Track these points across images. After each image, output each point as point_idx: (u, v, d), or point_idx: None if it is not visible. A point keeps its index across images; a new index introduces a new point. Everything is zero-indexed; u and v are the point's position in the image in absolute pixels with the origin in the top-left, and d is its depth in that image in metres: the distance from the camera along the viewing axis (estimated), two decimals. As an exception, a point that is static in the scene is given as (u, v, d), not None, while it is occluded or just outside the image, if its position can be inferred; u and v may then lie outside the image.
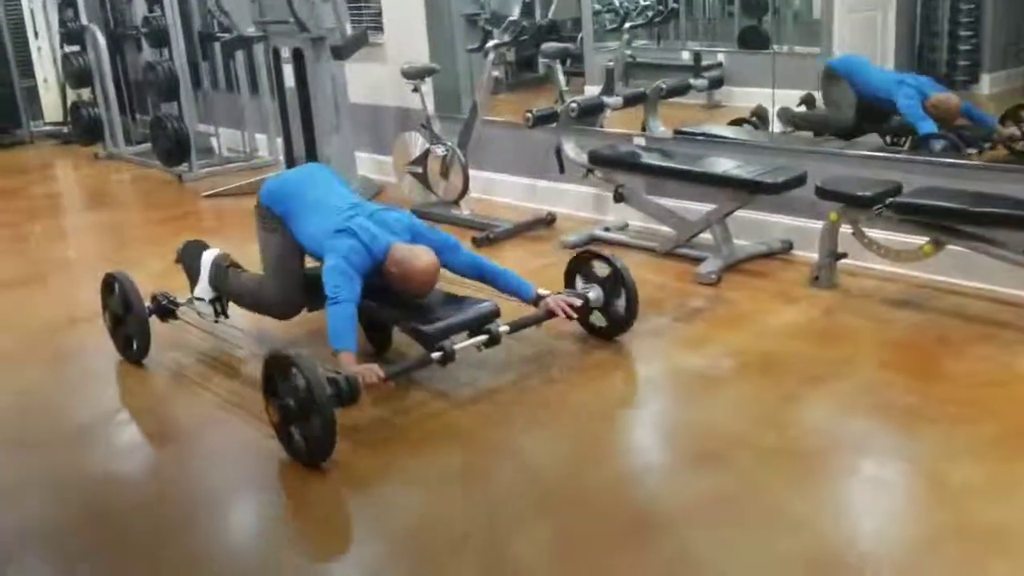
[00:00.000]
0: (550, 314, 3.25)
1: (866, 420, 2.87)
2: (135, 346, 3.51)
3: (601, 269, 3.45)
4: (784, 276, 4.04)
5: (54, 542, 2.53)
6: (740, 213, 4.21)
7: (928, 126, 4.37)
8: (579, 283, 3.53)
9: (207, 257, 3.62)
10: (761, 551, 2.26)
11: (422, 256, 3.05)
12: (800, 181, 3.97)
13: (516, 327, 3.20)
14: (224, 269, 3.55)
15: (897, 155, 4.29)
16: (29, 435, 3.12)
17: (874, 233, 3.73)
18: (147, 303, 3.54)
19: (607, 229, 4.74)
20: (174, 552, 2.43)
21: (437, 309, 3.19)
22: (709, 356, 3.33)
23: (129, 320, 3.50)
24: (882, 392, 3.02)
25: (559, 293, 3.35)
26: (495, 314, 3.20)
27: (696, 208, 4.37)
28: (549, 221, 5.06)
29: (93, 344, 3.74)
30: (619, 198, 4.55)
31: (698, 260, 4.17)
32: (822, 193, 3.76)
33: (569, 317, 3.27)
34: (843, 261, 3.88)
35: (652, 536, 2.35)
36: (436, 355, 2.99)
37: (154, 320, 3.57)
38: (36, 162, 7.96)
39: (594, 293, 3.42)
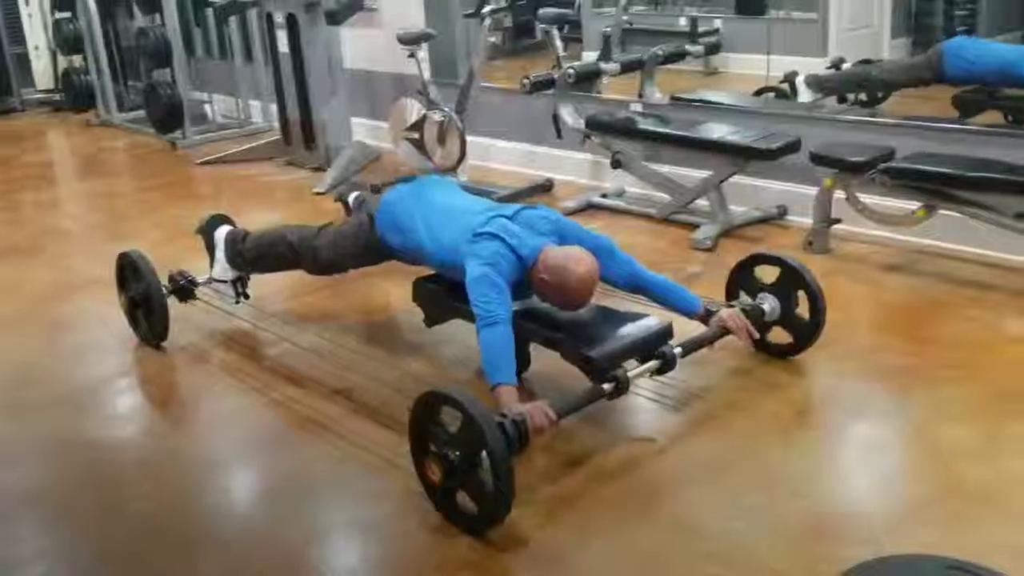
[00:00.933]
0: (725, 331, 2.78)
1: (859, 382, 2.92)
2: (153, 329, 3.37)
3: (770, 274, 3.02)
4: (779, 241, 4.07)
5: (55, 502, 2.57)
6: (736, 179, 4.24)
7: None
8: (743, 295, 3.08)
9: (220, 235, 3.47)
10: (757, 511, 2.31)
11: (582, 262, 2.57)
12: (794, 147, 3.99)
13: (689, 349, 2.72)
14: (241, 239, 3.42)
15: (888, 120, 4.29)
16: (30, 400, 3.14)
17: (867, 198, 3.75)
18: (164, 283, 3.41)
19: (604, 195, 4.76)
20: (173, 516, 2.48)
21: (598, 327, 2.74)
22: (705, 320, 3.36)
23: (146, 303, 3.35)
24: (875, 355, 3.07)
25: (731, 306, 2.91)
26: (668, 333, 2.75)
27: (693, 174, 4.40)
28: (547, 187, 5.08)
29: (92, 311, 3.77)
30: (616, 164, 4.57)
31: (694, 226, 4.20)
32: (816, 159, 3.78)
33: (752, 338, 2.82)
34: (837, 226, 3.91)
35: (653, 499, 2.40)
36: (608, 386, 2.53)
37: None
38: (28, 130, 7.91)
39: (768, 304, 2.94)
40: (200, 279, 3.52)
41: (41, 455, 2.82)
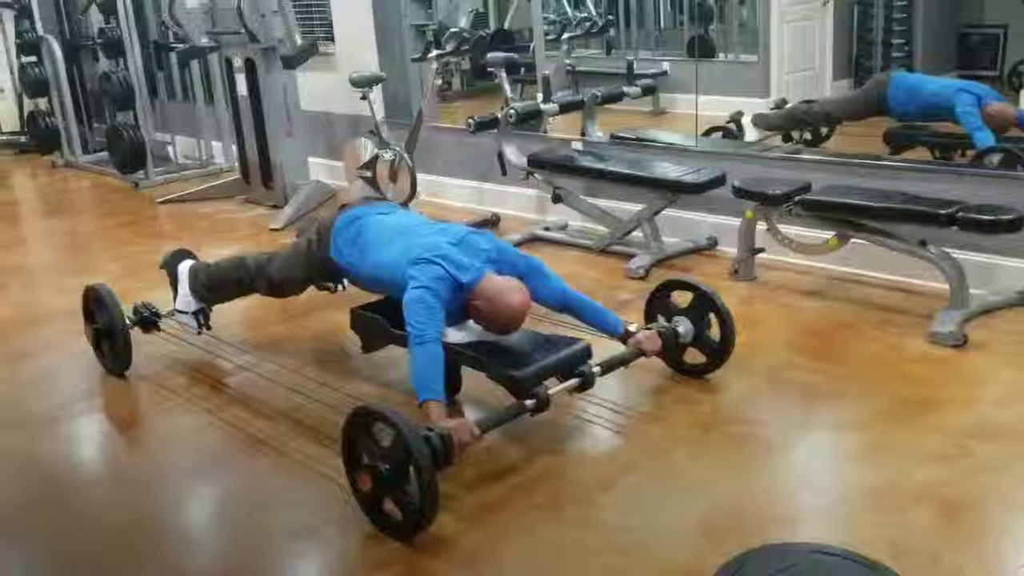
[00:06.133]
0: (641, 352, 3.01)
1: (769, 396, 3.14)
2: (117, 358, 3.51)
3: (685, 298, 3.25)
4: (707, 270, 4.32)
5: (13, 518, 2.72)
6: (672, 212, 4.49)
7: (986, 137, 4.23)
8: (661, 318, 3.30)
9: (183, 269, 3.63)
10: (658, 510, 2.51)
11: (516, 294, 2.77)
12: (720, 181, 4.25)
13: (608, 368, 2.95)
14: (203, 269, 3.58)
15: (809, 156, 4.58)
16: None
17: (787, 229, 4.01)
18: (128, 315, 3.55)
19: (547, 228, 5.00)
20: (127, 529, 2.63)
21: (522, 349, 2.91)
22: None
23: (110, 333, 3.49)
24: (786, 372, 3.29)
25: (648, 328, 3.13)
26: (587, 354, 2.94)
27: (629, 208, 4.64)
28: (494, 222, 5.31)
29: (53, 342, 3.93)
30: (557, 199, 4.82)
31: (630, 256, 4.43)
32: (738, 192, 4.04)
33: (661, 356, 3.11)
34: (761, 255, 4.16)
35: (566, 500, 2.60)
36: (530, 403, 2.72)
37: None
38: (-7, 171, 8.07)
39: (683, 327, 3.15)
40: (163, 311, 3.68)
41: (2, 476, 2.96)
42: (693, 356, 3.25)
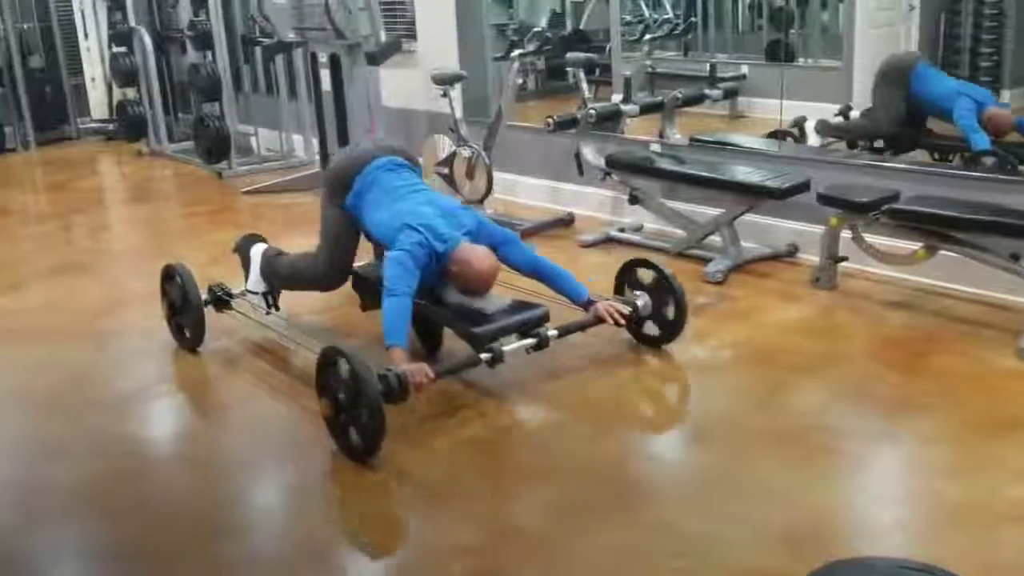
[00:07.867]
0: (599, 320, 3.31)
1: (851, 407, 3.09)
2: (190, 334, 3.70)
3: (648, 277, 3.53)
4: (787, 277, 4.26)
5: (94, 493, 2.82)
6: (750, 217, 4.43)
7: (982, 140, 4.34)
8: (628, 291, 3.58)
9: (256, 251, 3.80)
10: (737, 517, 2.49)
11: (484, 259, 3.11)
12: (804, 187, 4.19)
13: (565, 332, 3.27)
14: (274, 257, 3.75)
15: (896, 164, 4.48)
16: (76, 403, 3.40)
17: (872, 238, 3.93)
18: (203, 294, 3.72)
19: (622, 230, 4.98)
20: (202, 507, 2.72)
21: (487, 311, 3.27)
22: (709, 347, 3.56)
23: (185, 310, 3.69)
24: (869, 383, 3.24)
25: (608, 299, 3.41)
26: (545, 318, 3.27)
27: (708, 212, 4.60)
28: (568, 221, 5.31)
29: (137, 326, 4.05)
30: (634, 200, 4.80)
31: (707, 261, 4.39)
32: (823, 199, 3.98)
33: (617, 324, 3.34)
34: (844, 264, 4.08)
35: (642, 502, 2.61)
36: (485, 356, 3.07)
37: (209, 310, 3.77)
38: (82, 157, 8.31)
39: (642, 301, 3.47)
40: (236, 291, 3.82)
41: (85, 451, 3.07)
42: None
